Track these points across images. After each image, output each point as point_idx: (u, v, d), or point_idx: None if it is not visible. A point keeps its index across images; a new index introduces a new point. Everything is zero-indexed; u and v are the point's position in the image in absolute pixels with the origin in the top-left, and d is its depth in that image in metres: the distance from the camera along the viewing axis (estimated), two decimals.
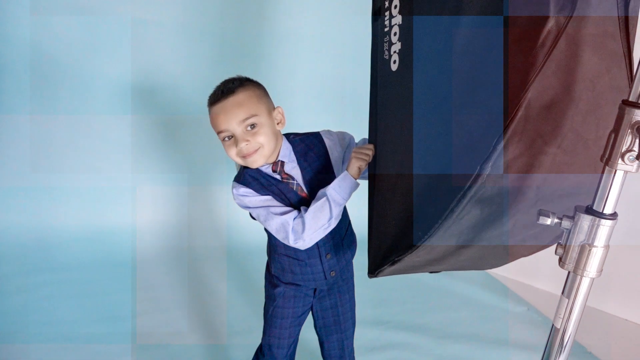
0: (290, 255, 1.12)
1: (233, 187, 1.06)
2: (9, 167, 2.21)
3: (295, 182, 1.07)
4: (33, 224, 2.21)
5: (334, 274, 1.15)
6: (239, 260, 2.08)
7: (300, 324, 1.20)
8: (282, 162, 1.07)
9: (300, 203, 1.06)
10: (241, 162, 1.04)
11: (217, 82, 2.53)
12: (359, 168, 1.00)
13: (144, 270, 2.12)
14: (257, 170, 1.07)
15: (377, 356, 1.66)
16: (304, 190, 1.07)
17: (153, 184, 2.37)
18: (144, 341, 1.66)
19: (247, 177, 1.06)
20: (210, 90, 2.48)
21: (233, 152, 1.01)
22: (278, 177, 1.06)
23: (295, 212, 1.03)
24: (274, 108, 1.07)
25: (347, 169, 1.00)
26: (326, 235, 1.06)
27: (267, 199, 1.04)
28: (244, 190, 1.05)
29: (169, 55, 2.26)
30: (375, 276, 0.90)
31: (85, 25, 2.13)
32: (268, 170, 1.07)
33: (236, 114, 0.99)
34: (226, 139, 1.01)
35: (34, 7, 2.07)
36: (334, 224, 1.02)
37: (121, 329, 1.72)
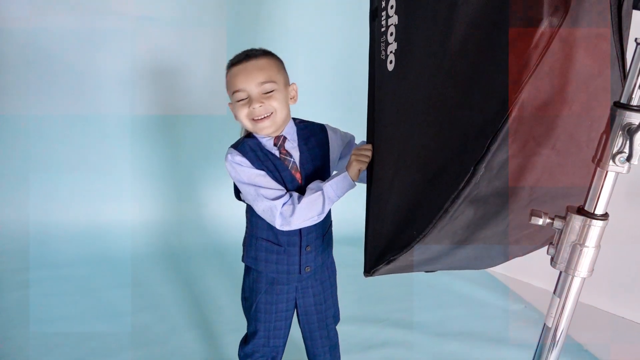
0: (270, 239, 1.11)
1: (228, 152, 1.05)
2: (8, 164, 2.21)
3: (292, 160, 1.07)
4: (29, 221, 2.21)
5: (308, 270, 1.14)
6: (235, 258, 2.08)
7: (287, 319, 1.19)
8: (285, 138, 1.08)
9: (292, 183, 1.06)
10: (249, 125, 1.04)
11: (216, 81, 2.53)
12: (359, 170, 1.01)
13: (142, 267, 2.12)
14: (257, 142, 1.07)
15: (375, 353, 1.67)
16: (298, 171, 1.07)
17: (150, 181, 2.38)
18: (141, 338, 1.67)
19: (245, 146, 1.06)
20: (209, 89, 2.48)
21: (244, 112, 1.02)
22: (277, 152, 1.07)
23: (285, 197, 1.02)
24: (290, 83, 1.09)
25: (347, 170, 1.01)
26: (311, 228, 1.08)
27: (260, 174, 1.03)
28: (239, 159, 1.04)
29: (167, 53, 2.26)
30: (371, 275, 0.90)
31: (83, 23, 2.13)
32: (269, 143, 1.07)
33: (256, 75, 1.01)
34: (240, 99, 1.02)
35: (33, 5, 2.07)
36: (322, 217, 1.04)
37: (119, 325, 1.72)
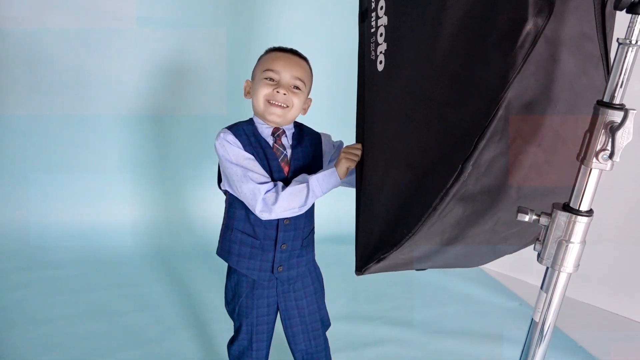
0: (246, 232, 1.10)
1: (221, 132, 1.07)
2: (6, 164, 2.22)
3: (284, 152, 1.09)
4: (28, 221, 2.22)
5: (281, 270, 1.13)
6: None
7: (270, 323, 1.19)
8: (284, 131, 1.10)
9: (278, 174, 1.07)
10: (261, 105, 1.06)
11: (214, 81, 2.53)
12: (348, 168, 1.01)
13: (137, 268, 2.12)
14: (253, 129, 1.09)
15: (371, 351, 1.68)
16: (288, 164, 1.09)
17: (146, 181, 2.39)
18: (137, 337, 1.67)
19: (240, 129, 1.08)
20: (208, 89, 2.47)
21: (265, 91, 1.05)
22: (272, 140, 1.08)
23: (269, 185, 1.03)
24: (309, 97, 1.14)
25: (335, 167, 1.02)
26: (289, 226, 1.09)
27: (249, 158, 1.04)
28: (232, 138, 1.05)
29: (165, 53, 2.27)
30: (363, 273, 0.91)
31: (83, 24, 2.14)
32: (267, 130, 1.09)
33: (295, 69, 1.06)
34: (268, 79, 1.05)
35: (33, 5, 2.08)
36: (303, 210, 1.05)
37: (115, 325, 1.72)
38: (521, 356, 0.75)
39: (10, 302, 1.80)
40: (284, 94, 1.04)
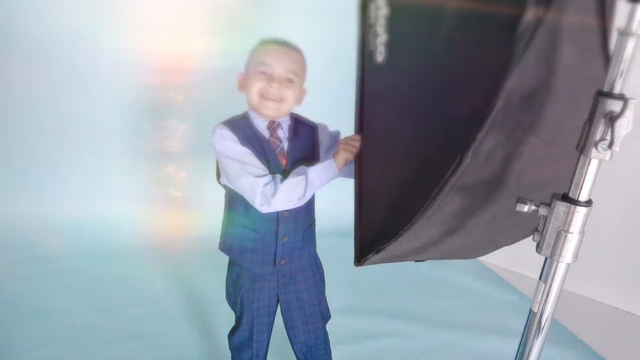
0: (247, 226, 1.10)
1: (217, 127, 1.07)
2: (6, 161, 2.22)
3: (281, 145, 1.09)
4: (26, 215, 2.22)
5: (283, 262, 1.13)
6: None
7: (270, 315, 1.19)
8: (279, 124, 1.10)
9: (276, 167, 1.07)
10: (255, 100, 1.05)
11: (211, 80, 2.53)
12: (346, 160, 1.01)
13: (136, 261, 2.13)
14: (249, 123, 1.08)
15: (370, 344, 1.68)
16: (285, 157, 1.09)
17: (146, 176, 2.39)
18: (138, 330, 1.68)
19: (236, 123, 1.08)
20: (205, 87, 2.48)
21: (258, 85, 1.04)
22: (267, 134, 1.08)
23: (268, 178, 1.03)
24: (303, 88, 1.13)
25: (334, 158, 1.02)
26: (290, 219, 1.09)
27: (246, 152, 1.04)
28: (228, 133, 1.05)
29: (162, 52, 2.27)
30: (362, 265, 0.91)
31: (83, 23, 2.14)
32: (262, 124, 1.08)
33: (288, 62, 1.05)
34: (261, 72, 1.04)
35: (33, 4, 2.07)
36: (302, 202, 1.05)
37: (115, 318, 1.73)
38: (519, 347, 0.75)
39: (9, 296, 1.81)
40: (277, 88, 1.04)
